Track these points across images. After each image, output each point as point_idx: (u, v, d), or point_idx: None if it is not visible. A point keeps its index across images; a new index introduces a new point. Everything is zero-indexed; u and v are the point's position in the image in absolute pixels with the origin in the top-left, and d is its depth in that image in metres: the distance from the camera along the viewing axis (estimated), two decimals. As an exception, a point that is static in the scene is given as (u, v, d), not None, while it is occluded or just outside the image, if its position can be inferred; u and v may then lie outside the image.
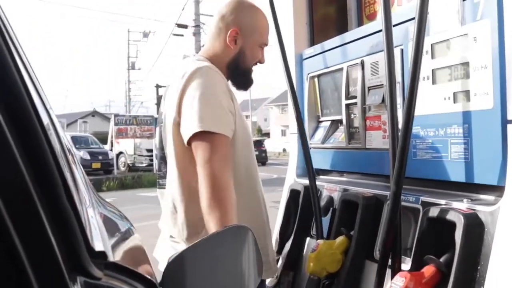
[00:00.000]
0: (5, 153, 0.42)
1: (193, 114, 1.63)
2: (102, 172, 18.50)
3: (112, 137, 19.56)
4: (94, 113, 48.89)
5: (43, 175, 0.45)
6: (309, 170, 2.11)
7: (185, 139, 1.67)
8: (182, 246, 1.75)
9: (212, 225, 1.55)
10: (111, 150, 19.66)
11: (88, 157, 18.21)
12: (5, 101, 0.45)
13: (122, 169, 19.99)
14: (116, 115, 19.93)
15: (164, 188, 1.90)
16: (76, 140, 19.35)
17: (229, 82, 1.89)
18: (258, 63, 1.93)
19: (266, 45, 1.93)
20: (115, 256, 0.80)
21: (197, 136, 1.63)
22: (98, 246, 0.60)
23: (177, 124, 1.72)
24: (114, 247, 0.87)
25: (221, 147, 1.63)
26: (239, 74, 1.90)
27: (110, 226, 1.06)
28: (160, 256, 1.86)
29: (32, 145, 0.46)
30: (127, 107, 42.76)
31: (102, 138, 23.13)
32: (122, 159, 20.29)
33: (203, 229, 1.69)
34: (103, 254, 0.58)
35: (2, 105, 0.45)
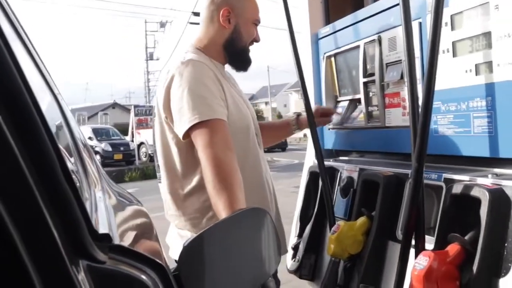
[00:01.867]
0: None
1: (185, 107, 1.64)
2: (124, 163, 18.70)
3: (132, 128, 19.74)
4: (115, 105, 49.30)
5: (37, 153, 0.43)
6: (317, 152, 2.09)
7: (180, 135, 1.68)
8: (187, 233, 1.77)
9: (220, 207, 1.53)
10: (132, 141, 19.84)
11: (110, 149, 18.45)
12: None
13: (144, 159, 20.15)
14: (136, 106, 20.10)
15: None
16: (97, 132, 19.62)
17: (228, 66, 1.91)
18: (254, 42, 1.93)
19: (259, 22, 1.93)
20: (124, 240, 0.78)
21: (193, 127, 1.63)
22: (103, 228, 0.58)
23: (169, 120, 1.73)
24: (124, 230, 0.85)
25: (219, 130, 1.63)
26: (237, 53, 1.90)
27: (121, 211, 1.05)
28: (170, 243, 1.89)
29: (24, 124, 0.44)
30: (146, 98, 43.08)
31: (123, 129, 23.32)
32: (143, 150, 20.44)
33: (204, 217, 1.71)
34: (107, 237, 0.56)
35: None
